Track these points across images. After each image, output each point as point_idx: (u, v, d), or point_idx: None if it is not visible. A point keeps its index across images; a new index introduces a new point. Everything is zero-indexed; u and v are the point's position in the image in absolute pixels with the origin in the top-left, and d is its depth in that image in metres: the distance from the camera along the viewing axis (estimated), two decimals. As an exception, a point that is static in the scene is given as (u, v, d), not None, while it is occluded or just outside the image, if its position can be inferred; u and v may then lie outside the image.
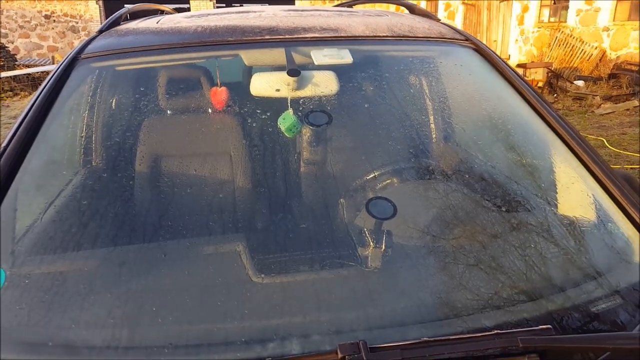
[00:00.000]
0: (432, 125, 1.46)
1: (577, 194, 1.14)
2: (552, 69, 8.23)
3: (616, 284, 0.94)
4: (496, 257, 0.99)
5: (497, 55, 1.46)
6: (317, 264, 1.00)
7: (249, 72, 1.82)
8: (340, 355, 0.72)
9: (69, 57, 1.38)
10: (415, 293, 0.92)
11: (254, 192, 1.28)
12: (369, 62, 1.45)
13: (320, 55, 1.34)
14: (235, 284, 0.95)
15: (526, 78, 8.51)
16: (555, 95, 7.64)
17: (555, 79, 7.89)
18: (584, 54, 8.85)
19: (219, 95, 1.48)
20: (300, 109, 1.28)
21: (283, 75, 1.30)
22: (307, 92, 1.32)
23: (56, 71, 1.34)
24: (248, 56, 1.45)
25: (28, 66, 10.26)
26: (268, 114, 1.32)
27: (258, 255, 1.00)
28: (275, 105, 1.32)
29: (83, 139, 1.43)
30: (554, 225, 1.07)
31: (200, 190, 1.25)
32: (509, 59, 11.10)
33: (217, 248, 1.05)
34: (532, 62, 9.16)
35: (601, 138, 5.49)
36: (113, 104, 1.54)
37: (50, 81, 1.31)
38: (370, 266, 1.00)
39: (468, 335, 0.78)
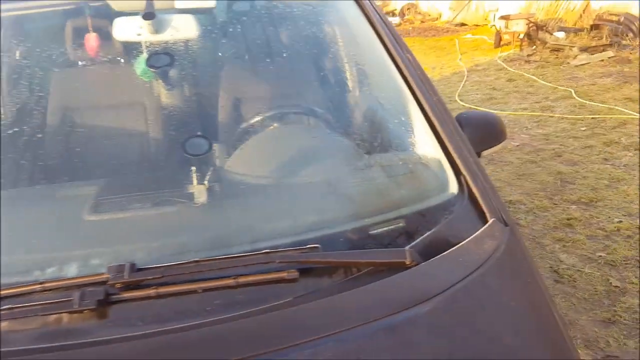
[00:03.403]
0: (296, 69, 1.47)
1: (413, 136, 1.19)
2: (533, 20, 8.02)
3: (407, 211, 1.01)
4: (308, 191, 1.05)
5: (372, 5, 1.45)
6: (149, 203, 1.06)
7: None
8: (107, 276, 0.79)
9: None
10: (215, 224, 0.98)
11: (110, 137, 1.32)
12: (235, 6, 1.46)
13: (182, -2, 1.36)
14: (67, 222, 1.01)
15: (508, 30, 8.34)
16: (534, 47, 7.50)
17: (536, 30, 7.70)
18: (569, 4, 8.60)
19: (91, 41, 1.50)
20: (156, 52, 1.30)
21: (140, 19, 1.32)
22: (165, 36, 1.34)
23: None
24: (115, 2, 1.46)
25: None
26: (131, 58, 1.34)
27: (100, 197, 1.06)
28: (141, 50, 1.34)
29: None
30: (378, 163, 1.12)
31: (57, 138, 1.29)
32: (497, 10, 10.80)
33: (67, 192, 1.11)
34: (518, 13, 8.92)
35: (569, 89, 5.45)
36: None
37: None
38: (197, 202, 1.06)
39: (229, 256, 0.84)
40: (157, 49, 1.30)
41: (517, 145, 4.07)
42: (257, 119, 1.19)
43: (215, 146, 1.10)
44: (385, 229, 0.97)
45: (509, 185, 3.37)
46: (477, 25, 10.49)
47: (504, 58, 7.40)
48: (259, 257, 0.84)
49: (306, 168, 1.06)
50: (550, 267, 2.41)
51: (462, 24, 11.00)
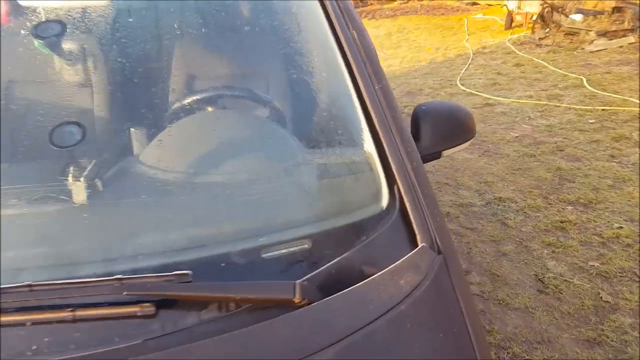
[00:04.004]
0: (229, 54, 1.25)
1: (341, 132, 0.98)
2: (549, 1, 7.56)
3: (316, 230, 0.80)
4: (192, 199, 0.85)
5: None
6: (26, 199, 0.88)
7: None
8: None
9: None
10: (67, 238, 0.79)
11: (14, 117, 1.14)
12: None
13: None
14: None
15: (520, 11, 7.90)
16: (547, 30, 7.09)
17: (551, 12, 7.26)
18: (589, -16, 8.10)
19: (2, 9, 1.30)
20: (46, 20, 1.10)
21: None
22: (68, 2, 1.14)
23: None
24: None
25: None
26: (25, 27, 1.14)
27: None
28: (39, 17, 1.14)
29: None
30: (290, 166, 0.92)
31: None
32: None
33: None
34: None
35: (581, 77, 5.10)
36: None
37: None
38: (76, 201, 0.88)
39: (70, 281, 0.66)
40: (49, 16, 1.09)
41: (517, 137, 3.79)
42: (152, 106, 0.99)
43: (88, 136, 0.90)
44: (283, 252, 0.77)
45: (502, 180, 3.12)
46: (489, 5, 9.99)
47: (514, 41, 7.02)
48: (109, 284, 0.66)
49: (197, 171, 0.86)
50: (535, 274, 2.19)
51: (474, 3, 10.49)
